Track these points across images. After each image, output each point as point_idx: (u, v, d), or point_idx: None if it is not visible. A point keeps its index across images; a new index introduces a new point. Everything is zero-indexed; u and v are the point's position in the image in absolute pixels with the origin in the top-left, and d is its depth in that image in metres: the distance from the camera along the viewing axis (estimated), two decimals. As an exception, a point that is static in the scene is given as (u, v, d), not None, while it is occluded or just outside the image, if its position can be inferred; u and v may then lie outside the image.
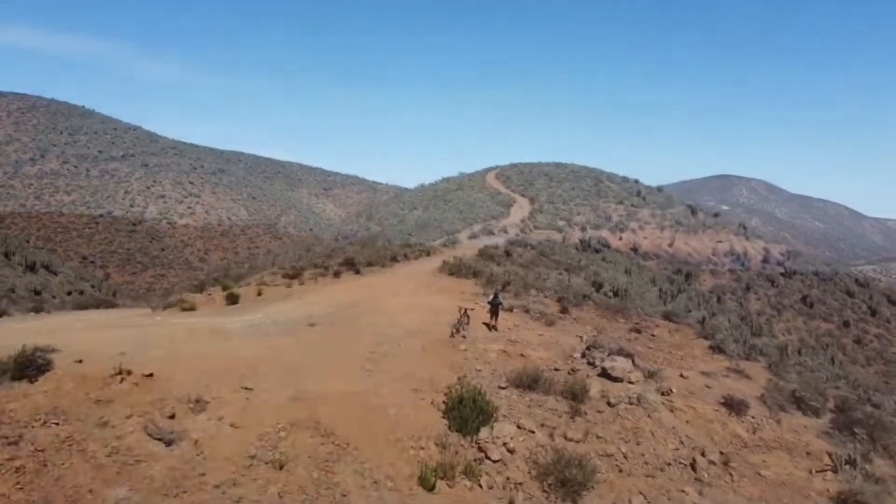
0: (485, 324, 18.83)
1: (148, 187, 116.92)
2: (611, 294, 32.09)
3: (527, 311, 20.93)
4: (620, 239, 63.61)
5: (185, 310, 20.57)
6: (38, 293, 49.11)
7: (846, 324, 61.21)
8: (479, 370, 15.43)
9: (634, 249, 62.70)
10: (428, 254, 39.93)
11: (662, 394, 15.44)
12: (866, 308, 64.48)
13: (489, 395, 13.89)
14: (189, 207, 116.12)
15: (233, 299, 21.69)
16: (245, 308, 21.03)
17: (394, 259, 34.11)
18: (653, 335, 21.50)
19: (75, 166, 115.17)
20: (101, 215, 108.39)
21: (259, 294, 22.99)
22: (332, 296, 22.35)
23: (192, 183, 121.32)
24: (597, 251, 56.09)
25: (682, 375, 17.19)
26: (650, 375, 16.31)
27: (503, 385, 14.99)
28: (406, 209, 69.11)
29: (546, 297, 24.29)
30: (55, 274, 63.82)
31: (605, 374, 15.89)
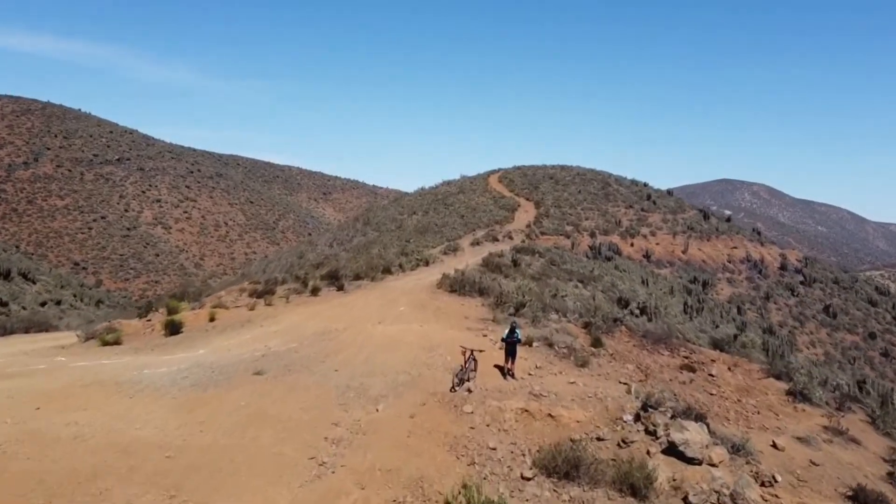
0: (497, 367, 13.68)
1: (143, 191, 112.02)
2: (637, 312, 26.92)
3: (550, 346, 15.75)
4: (632, 245, 58.48)
5: (106, 343, 15.43)
6: (4, 304, 44.14)
7: (872, 335, 55.93)
8: (494, 449, 10.26)
9: (647, 256, 57.58)
10: (426, 263, 34.78)
11: (762, 484, 10.28)
12: (890, 318, 59.31)
13: (509, 495, 8.78)
14: (185, 212, 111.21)
15: (174, 328, 16.54)
16: (186, 341, 15.88)
17: (386, 271, 28.95)
18: (710, 375, 16.35)
19: (69, 170, 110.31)
20: (94, 220, 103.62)
21: (212, 319, 17.82)
22: (302, 322, 17.19)
23: (188, 187, 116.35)
24: (608, 259, 50.98)
25: (774, 445, 12.01)
26: (736, 450, 11.15)
27: (528, 474, 9.83)
28: (405, 214, 63.97)
29: (569, 321, 19.14)
30: (33, 282, 58.88)
31: (672, 449, 10.74)
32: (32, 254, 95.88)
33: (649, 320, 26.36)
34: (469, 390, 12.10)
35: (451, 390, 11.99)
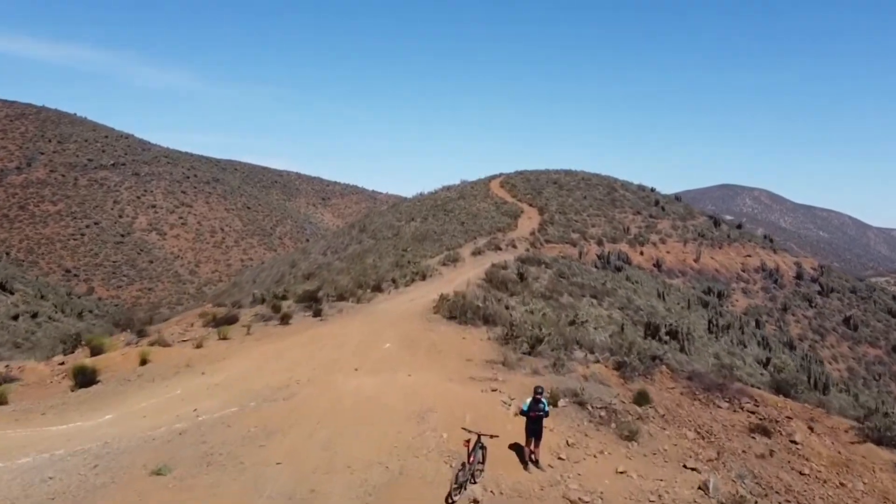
0: (514, 447, 9.44)
1: (138, 197, 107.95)
2: (667, 338, 22.70)
3: (582, 405, 11.54)
4: (641, 254, 54.20)
5: (-16, 404, 11.24)
6: (-33, 319, 40.09)
7: (895, 349, 51.62)
8: None
9: (658, 265, 53.31)
10: (423, 277, 30.52)
11: None
12: (913, 330, 55.01)
13: None
14: (181, 217, 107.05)
15: (85, 378, 12.33)
16: (94, 398, 11.64)
17: (376, 288, 24.71)
18: (793, 441, 12.15)
19: (63, 175, 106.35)
20: (87, 226, 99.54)
21: (143, 362, 13.60)
22: (255, 368, 12.95)
23: (184, 192, 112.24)
24: (618, 269, 46.74)
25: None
26: None
27: None
28: (402, 220, 59.75)
29: (598, 360, 14.92)
30: (11, 292, 54.71)
31: None
32: (23, 260, 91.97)
33: (682, 349, 22.20)
34: (475, 501, 7.85)
35: (446, 501, 7.76)
